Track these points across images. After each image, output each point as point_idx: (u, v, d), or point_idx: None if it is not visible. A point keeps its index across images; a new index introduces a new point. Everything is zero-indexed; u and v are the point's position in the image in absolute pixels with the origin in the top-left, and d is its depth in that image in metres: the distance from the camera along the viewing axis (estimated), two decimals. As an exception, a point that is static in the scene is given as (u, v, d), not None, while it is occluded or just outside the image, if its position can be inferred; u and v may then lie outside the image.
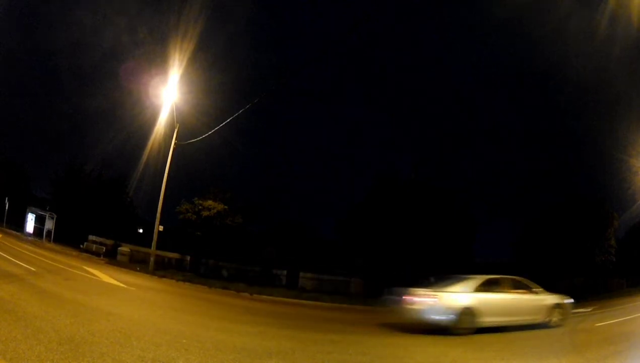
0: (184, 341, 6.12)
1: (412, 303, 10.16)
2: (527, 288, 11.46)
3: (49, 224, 28.59)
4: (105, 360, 4.54)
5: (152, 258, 22.95)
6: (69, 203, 31.89)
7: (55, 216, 28.69)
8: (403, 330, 10.09)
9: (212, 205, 28.70)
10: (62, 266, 15.30)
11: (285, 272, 29.91)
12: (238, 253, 31.01)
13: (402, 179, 31.71)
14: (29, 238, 28.23)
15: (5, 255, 14.89)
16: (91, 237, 29.13)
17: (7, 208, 31.98)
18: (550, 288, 12.16)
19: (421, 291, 10.32)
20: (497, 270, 37.61)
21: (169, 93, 23.04)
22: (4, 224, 31.59)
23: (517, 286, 11.32)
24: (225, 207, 28.99)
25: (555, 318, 11.11)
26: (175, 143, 23.78)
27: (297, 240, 35.03)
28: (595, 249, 30.48)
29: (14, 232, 29.13)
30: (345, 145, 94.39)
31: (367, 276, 28.81)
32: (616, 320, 13.55)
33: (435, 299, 9.84)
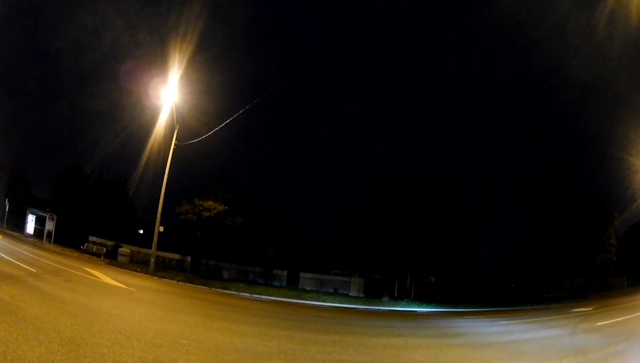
0: (185, 342, 6.12)
1: None
2: None
3: (49, 225, 28.58)
4: (105, 361, 4.55)
5: (152, 259, 22.95)
6: (69, 205, 31.89)
7: (55, 217, 28.68)
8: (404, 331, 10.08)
9: (213, 206, 28.68)
10: (62, 267, 15.30)
11: (285, 272, 29.90)
12: (238, 254, 31.02)
13: (403, 179, 31.72)
14: (30, 239, 28.22)
15: (5, 256, 14.89)
16: (91, 238, 29.15)
17: (7, 209, 31.99)
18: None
19: None
20: (497, 270, 37.40)
21: (168, 94, 23.03)
22: (4, 225, 31.59)
23: None
24: (226, 207, 28.97)
25: None
26: (175, 143, 23.78)
27: (297, 241, 35.04)
28: (595, 248, 30.46)
29: (14, 233, 29.12)
30: (345, 145, 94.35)
31: (367, 276, 28.79)
32: (617, 319, 13.57)
33: None
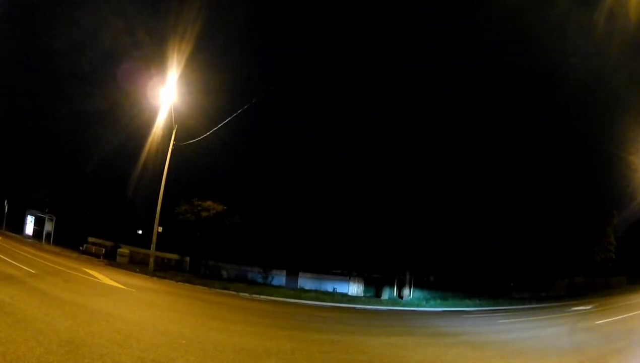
0: (184, 342, 6.12)
1: None
2: None
3: (48, 226, 28.54)
4: (104, 362, 4.54)
5: (151, 260, 22.95)
6: (68, 205, 31.86)
7: (54, 218, 28.64)
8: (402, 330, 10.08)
9: (211, 206, 28.65)
10: (61, 268, 15.28)
11: (284, 272, 29.87)
12: (237, 254, 30.99)
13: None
14: (29, 240, 28.18)
15: (4, 257, 14.88)
16: (90, 239, 29.09)
17: (6, 210, 31.94)
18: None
19: None
20: (497, 269, 37.20)
21: (167, 94, 23.02)
22: (3, 226, 31.52)
23: None
24: (224, 207, 28.95)
25: None
26: (173, 143, 23.78)
27: (297, 240, 35.00)
28: (594, 247, 30.49)
29: (13, 235, 29.07)
30: (344, 144, 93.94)
31: (367, 276, 28.81)
32: (616, 318, 13.62)
33: None
